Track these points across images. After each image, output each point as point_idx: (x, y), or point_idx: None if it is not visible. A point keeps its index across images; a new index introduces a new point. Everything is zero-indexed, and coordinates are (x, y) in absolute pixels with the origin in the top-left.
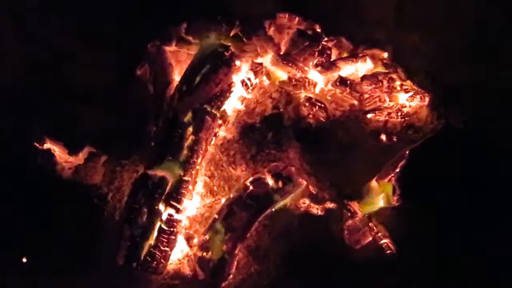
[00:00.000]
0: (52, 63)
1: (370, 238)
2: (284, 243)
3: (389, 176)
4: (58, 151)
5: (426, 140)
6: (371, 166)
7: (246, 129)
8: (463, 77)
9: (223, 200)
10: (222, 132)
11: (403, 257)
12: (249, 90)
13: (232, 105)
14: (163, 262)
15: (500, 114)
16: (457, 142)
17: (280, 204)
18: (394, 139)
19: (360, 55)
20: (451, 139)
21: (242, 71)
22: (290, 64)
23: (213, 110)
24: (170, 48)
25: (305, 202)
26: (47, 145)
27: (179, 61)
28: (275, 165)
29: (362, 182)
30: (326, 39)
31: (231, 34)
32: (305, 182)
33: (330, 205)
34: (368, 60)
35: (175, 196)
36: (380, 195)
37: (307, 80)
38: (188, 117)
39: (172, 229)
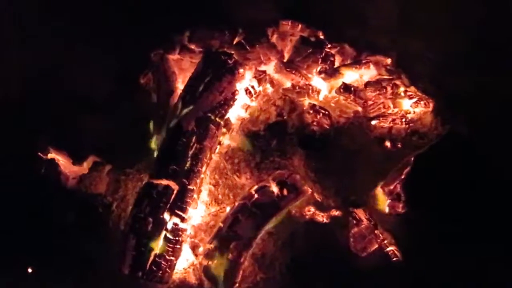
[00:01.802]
0: (55, 72)
1: (376, 246)
2: (289, 251)
3: (395, 183)
4: (62, 161)
5: (431, 146)
6: (376, 173)
7: (250, 137)
8: (468, 82)
9: (228, 209)
10: (226, 140)
11: (409, 264)
12: (253, 98)
13: (236, 113)
14: (169, 271)
15: (505, 120)
16: (462, 148)
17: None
18: (399, 146)
19: (364, 61)
20: (456, 144)
21: (245, 79)
22: (293, 72)
23: (217, 119)
24: (173, 57)
25: (310, 210)
26: (51, 155)
27: (182, 69)
28: (279, 173)
29: (367, 189)
30: (329, 45)
31: (234, 42)
32: (310, 190)
33: (335, 212)
34: (372, 66)
35: (180, 205)
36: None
37: (310, 87)
38: (192, 125)
39: (177, 238)
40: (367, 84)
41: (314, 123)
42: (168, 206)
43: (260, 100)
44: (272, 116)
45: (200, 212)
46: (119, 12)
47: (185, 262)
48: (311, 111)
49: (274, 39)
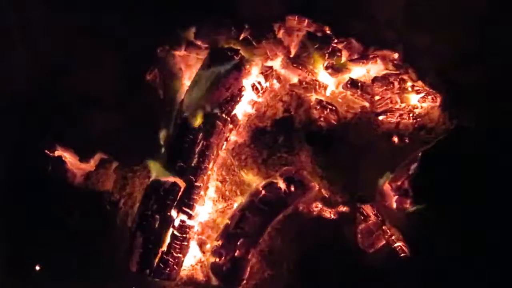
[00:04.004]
0: (61, 70)
1: (384, 242)
2: (297, 248)
3: (402, 179)
4: (69, 158)
5: (439, 141)
6: (383, 168)
7: (257, 133)
8: (475, 77)
9: (235, 205)
10: (233, 137)
11: (417, 259)
12: (260, 94)
13: (243, 109)
14: (176, 268)
15: None
16: (470, 143)
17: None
18: (406, 141)
19: (371, 56)
20: (463, 139)
21: (252, 75)
22: (300, 67)
23: (223, 115)
24: (179, 53)
25: (317, 206)
26: (58, 152)
27: (188, 65)
28: (286, 169)
29: (375, 185)
30: (336, 41)
31: (241, 37)
32: (317, 186)
33: (342, 208)
34: (379, 61)
35: (187, 202)
36: None
37: (317, 82)
38: (199, 122)
39: (184, 235)
40: (374, 79)
41: (321, 119)
42: (175, 203)
43: (267, 96)
44: (279, 112)
45: (207, 209)
46: (125, 9)
47: (192, 259)
48: (318, 107)
49: (280, 34)
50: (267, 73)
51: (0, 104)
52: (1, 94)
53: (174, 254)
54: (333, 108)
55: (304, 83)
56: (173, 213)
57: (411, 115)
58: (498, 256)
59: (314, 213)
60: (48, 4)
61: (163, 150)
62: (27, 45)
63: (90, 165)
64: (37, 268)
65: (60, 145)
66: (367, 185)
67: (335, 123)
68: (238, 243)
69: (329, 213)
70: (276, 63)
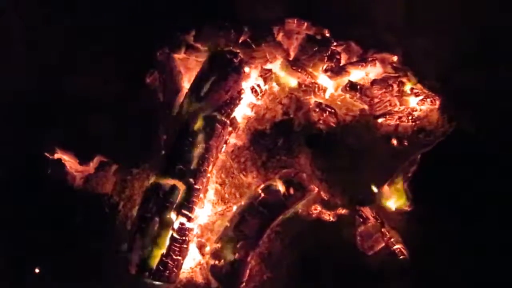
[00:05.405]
0: (61, 72)
1: (383, 244)
2: (296, 250)
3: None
4: (69, 161)
5: (438, 144)
6: (382, 171)
7: (256, 135)
8: (475, 79)
9: (234, 208)
10: (232, 139)
11: (416, 262)
12: (259, 97)
13: (242, 112)
14: (176, 271)
15: None
16: (469, 145)
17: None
18: (405, 143)
19: (370, 59)
20: (462, 142)
21: (251, 78)
22: (299, 70)
23: (223, 118)
24: (179, 56)
25: (317, 209)
26: (58, 155)
27: (188, 68)
28: (286, 172)
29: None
30: (335, 43)
31: (240, 40)
32: (316, 188)
33: (342, 211)
34: (378, 64)
35: (186, 205)
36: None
37: (316, 85)
38: (198, 125)
39: (184, 237)
40: (373, 82)
41: (320, 122)
42: (174, 206)
43: (266, 98)
44: (278, 114)
45: (206, 211)
46: (125, 11)
47: (192, 262)
48: (317, 109)
49: (280, 37)
50: (267, 76)
51: None
52: (0, 95)
53: (174, 256)
54: (332, 110)
55: (303, 86)
56: (173, 215)
57: (410, 117)
58: (498, 258)
59: (314, 215)
60: (48, 5)
61: (162, 152)
62: (28, 48)
63: (90, 168)
64: (37, 270)
65: (59, 147)
66: (366, 187)
67: (334, 125)
68: (238, 245)
69: (328, 216)
70: (276, 66)
